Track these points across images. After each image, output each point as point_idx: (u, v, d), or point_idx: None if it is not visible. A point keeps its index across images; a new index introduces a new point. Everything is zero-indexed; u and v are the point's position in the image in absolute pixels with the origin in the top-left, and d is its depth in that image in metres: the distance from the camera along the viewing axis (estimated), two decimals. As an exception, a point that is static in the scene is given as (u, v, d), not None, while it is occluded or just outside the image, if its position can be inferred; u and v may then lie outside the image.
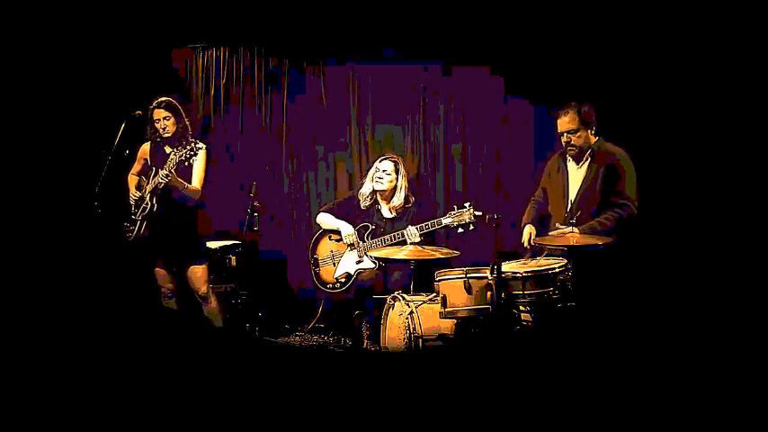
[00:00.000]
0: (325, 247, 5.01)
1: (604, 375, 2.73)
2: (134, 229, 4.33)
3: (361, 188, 4.96)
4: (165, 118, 4.31)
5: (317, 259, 5.03)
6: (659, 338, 3.06)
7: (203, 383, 2.63)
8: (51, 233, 4.35)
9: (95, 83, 4.72)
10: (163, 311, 4.37)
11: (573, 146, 4.04)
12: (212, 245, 4.93)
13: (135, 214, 4.35)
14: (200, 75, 5.46)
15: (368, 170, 5.01)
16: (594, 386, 2.66)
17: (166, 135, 4.34)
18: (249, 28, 5.19)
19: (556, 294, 3.59)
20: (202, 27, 5.18)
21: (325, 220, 5.00)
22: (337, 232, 4.93)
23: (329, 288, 4.96)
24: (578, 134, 4.02)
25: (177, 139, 4.33)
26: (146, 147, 4.48)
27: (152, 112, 4.33)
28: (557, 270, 3.62)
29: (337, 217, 4.95)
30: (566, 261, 3.69)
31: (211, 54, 5.46)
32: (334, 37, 5.18)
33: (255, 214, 4.92)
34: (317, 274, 5.02)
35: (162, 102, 4.34)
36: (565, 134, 4.04)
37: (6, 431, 2.45)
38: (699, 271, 3.93)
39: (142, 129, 4.43)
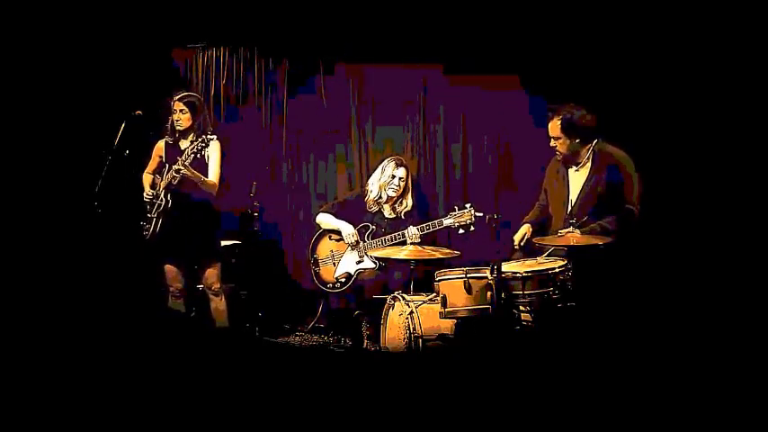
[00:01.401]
0: (326, 247, 5.01)
1: (604, 375, 2.73)
2: (150, 228, 4.32)
3: (367, 195, 4.93)
4: (181, 111, 4.33)
5: (317, 259, 5.03)
6: (659, 338, 3.06)
7: (204, 383, 2.63)
8: (52, 234, 4.35)
9: (96, 83, 4.72)
10: (164, 312, 4.36)
11: (558, 152, 4.05)
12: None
13: (150, 212, 4.34)
14: (200, 75, 5.46)
15: (372, 171, 5.01)
16: (594, 386, 2.66)
17: (179, 128, 4.35)
18: (249, 28, 5.19)
19: (556, 294, 3.59)
20: (202, 27, 5.18)
21: (326, 220, 5.00)
22: (337, 232, 4.93)
23: (329, 288, 4.96)
24: (560, 141, 4.01)
25: (190, 134, 4.34)
26: (160, 144, 4.48)
27: (174, 104, 4.35)
28: (557, 270, 3.62)
29: (337, 217, 4.95)
30: (566, 261, 3.69)
31: (211, 54, 5.46)
32: (334, 37, 5.18)
33: (255, 214, 4.93)
34: (318, 274, 5.02)
35: (184, 96, 4.35)
36: (551, 139, 4.04)
37: (7, 430, 2.45)
38: (698, 271, 3.93)
39: (143, 128, 4.43)
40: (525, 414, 2.55)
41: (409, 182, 4.88)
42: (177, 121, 4.33)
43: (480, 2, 4.75)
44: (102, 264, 4.30)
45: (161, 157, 4.46)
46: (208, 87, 5.46)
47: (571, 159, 4.05)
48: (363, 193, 4.97)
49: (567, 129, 3.97)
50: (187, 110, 4.32)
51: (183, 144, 4.38)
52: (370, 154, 5.42)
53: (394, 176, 4.83)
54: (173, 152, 4.39)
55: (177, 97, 4.35)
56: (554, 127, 4.00)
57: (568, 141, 3.99)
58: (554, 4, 4.59)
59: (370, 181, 4.97)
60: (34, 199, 4.42)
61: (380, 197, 4.87)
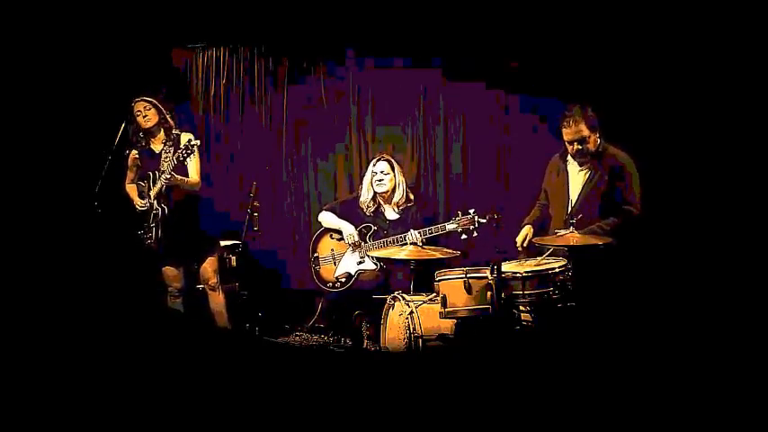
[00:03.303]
0: (326, 246, 5.01)
1: (604, 375, 2.73)
2: (151, 236, 4.36)
3: (360, 197, 4.93)
4: (146, 108, 4.38)
5: (317, 257, 5.03)
6: (659, 338, 3.06)
7: (204, 383, 2.63)
8: (51, 234, 4.35)
9: (96, 83, 4.72)
10: (165, 312, 4.37)
11: (587, 152, 3.99)
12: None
13: (148, 222, 4.37)
14: (200, 75, 5.47)
15: (363, 174, 5.01)
16: (594, 386, 2.66)
17: (148, 125, 4.38)
18: (249, 28, 5.19)
19: (556, 294, 3.58)
20: (202, 27, 5.18)
21: (327, 218, 5.00)
22: (338, 231, 4.93)
23: (329, 287, 4.96)
24: (591, 139, 3.98)
25: (159, 130, 4.40)
26: (134, 154, 4.49)
27: (132, 108, 4.39)
28: (557, 270, 3.61)
29: (339, 217, 4.95)
30: (566, 261, 3.68)
31: (211, 54, 5.47)
32: (334, 37, 5.18)
33: (255, 214, 4.93)
34: (318, 273, 5.02)
35: (141, 98, 4.40)
36: (575, 143, 3.99)
37: (7, 430, 2.45)
38: (698, 271, 3.93)
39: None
40: (525, 414, 2.55)
41: (397, 174, 4.87)
42: (145, 117, 4.37)
43: (481, 2, 4.75)
44: (102, 264, 4.30)
45: (138, 166, 4.49)
46: (208, 87, 5.46)
47: (594, 157, 4.01)
48: (358, 196, 4.97)
49: (592, 124, 3.95)
50: (150, 106, 4.38)
51: (156, 146, 4.42)
52: (371, 154, 5.41)
53: (375, 172, 4.83)
54: (148, 157, 4.44)
55: (137, 99, 4.40)
56: (581, 129, 3.96)
57: (595, 136, 3.98)
58: (556, 4, 4.58)
59: (362, 185, 4.97)
60: (34, 199, 4.42)
61: (369, 196, 4.87)
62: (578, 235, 3.72)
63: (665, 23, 4.27)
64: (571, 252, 3.71)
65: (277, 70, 5.46)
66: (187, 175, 4.35)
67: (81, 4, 4.61)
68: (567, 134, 4.00)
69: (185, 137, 4.33)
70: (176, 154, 4.20)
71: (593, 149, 3.99)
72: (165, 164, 4.29)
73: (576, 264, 3.64)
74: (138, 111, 4.37)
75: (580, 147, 3.98)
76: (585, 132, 3.96)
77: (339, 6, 4.91)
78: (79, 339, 2.85)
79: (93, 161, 4.34)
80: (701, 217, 4.11)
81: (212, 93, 5.47)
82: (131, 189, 4.52)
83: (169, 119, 4.44)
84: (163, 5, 4.83)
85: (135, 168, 4.51)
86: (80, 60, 4.70)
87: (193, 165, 4.37)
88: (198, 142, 4.28)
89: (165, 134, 4.41)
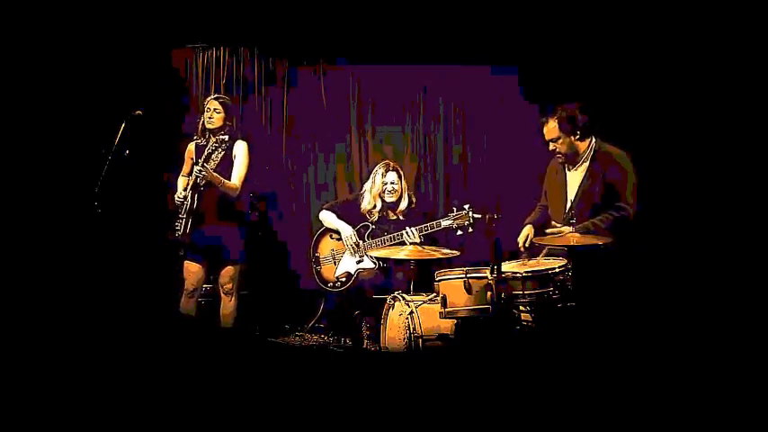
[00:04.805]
0: (327, 246, 5.01)
1: (604, 375, 2.73)
2: (180, 227, 4.32)
3: (363, 204, 4.90)
4: (215, 110, 4.38)
5: (318, 257, 5.03)
6: (659, 338, 3.06)
7: (204, 383, 2.64)
8: (50, 234, 4.35)
9: (96, 83, 4.73)
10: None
11: (559, 153, 4.03)
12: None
13: (180, 212, 4.33)
14: (200, 75, 5.47)
15: (368, 175, 4.98)
16: (594, 386, 2.66)
17: (210, 126, 4.38)
18: (249, 28, 5.20)
19: (556, 294, 3.58)
20: (202, 27, 5.19)
21: (327, 218, 4.99)
22: (338, 232, 4.93)
23: (330, 287, 4.96)
24: (560, 141, 3.99)
25: (219, 132, 4.39)
26: (191, 146, 4.49)
27: (207, 102, 4.42)
28: (557, 270, 3.61)
29: (339, 217, 4.95)
30: (566, 261, 3.68)
31: (211, 54, 5.47)
32: (334, 37, 5.19)
33: (256, 214, 4.94)
34: (319, 273, 5.02)
35: (219, 96, 4.47)
36: (550, 143, 4.02)
37: (6, 429, 2.45)
38: (698, 271, 3.93)
39: (143, 128, 4.43)
40: (525, 414, 2.55)
41: (403, 183, 4.87)
42: (210, 119, 4.38)
43: (481, 3, 4.76)
44: (101, 264, 4.30)
45: (192, 159, 4.48)
46: (208, 87, 5.47)
47: (572, 158, 4.03)
48: (359, 200, 4.96)
49: (564, 127, 3.96)
50: (222, 109, 4.39)
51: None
52: (370, 154, 5.42)
53: (386, 183, 4.81)
54: (202, 153, 4.41)
55: (213, 96, 4.45)
56: (552, 129, 3.98)
57: (568, 139, 3.97)
58: (553, 4, 4.59)
59: (364, 188, 4.96)
60: (33, 199, 4.42)
61: (375, 206, 4.85)
62: (578, 235, 3.72)
63: (660, 23, 4.28)
64: (571, 252, 3.71)
65: (277, 70, 5.46)
66: (229, 177, 4.34)
67: (81, 5, 4.61)
68: (545, 134, 4.03)
69: (237, 143, 4.38)
70: (209, 146, 4.23)
71: (566, 150, 3.99)
72: (201, 159, 4.28)
73: (576, 264, 3.64)
74: (208, 108, 4.39)
75: (554, 147, 4.00)
76: (555, 134, 3.97)
77: (339, 6, 4.92)
78: (78, 340, 2.85)
79: (94, 161, 4.33)
80: (701, 217, 4.11)
81: (212, 93, 5.47)
82: (182, 180, 4.52)
83: (235, 127, 4.48)
84: (163, 6, 4.83)
85: (190, 161, 4.50)
86: (80, 60, 4.70)
87: (238, 169, 4.37)
88: (225, 138, 4.30)
89: (227, 135, 4.39)
